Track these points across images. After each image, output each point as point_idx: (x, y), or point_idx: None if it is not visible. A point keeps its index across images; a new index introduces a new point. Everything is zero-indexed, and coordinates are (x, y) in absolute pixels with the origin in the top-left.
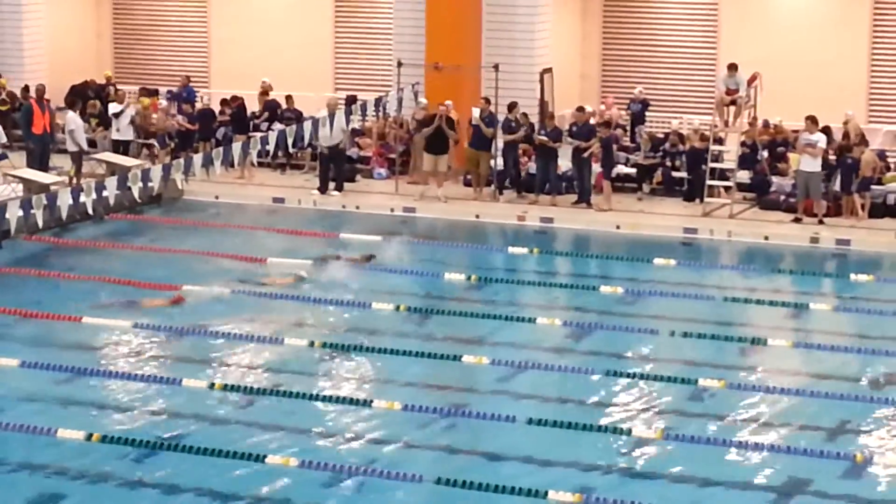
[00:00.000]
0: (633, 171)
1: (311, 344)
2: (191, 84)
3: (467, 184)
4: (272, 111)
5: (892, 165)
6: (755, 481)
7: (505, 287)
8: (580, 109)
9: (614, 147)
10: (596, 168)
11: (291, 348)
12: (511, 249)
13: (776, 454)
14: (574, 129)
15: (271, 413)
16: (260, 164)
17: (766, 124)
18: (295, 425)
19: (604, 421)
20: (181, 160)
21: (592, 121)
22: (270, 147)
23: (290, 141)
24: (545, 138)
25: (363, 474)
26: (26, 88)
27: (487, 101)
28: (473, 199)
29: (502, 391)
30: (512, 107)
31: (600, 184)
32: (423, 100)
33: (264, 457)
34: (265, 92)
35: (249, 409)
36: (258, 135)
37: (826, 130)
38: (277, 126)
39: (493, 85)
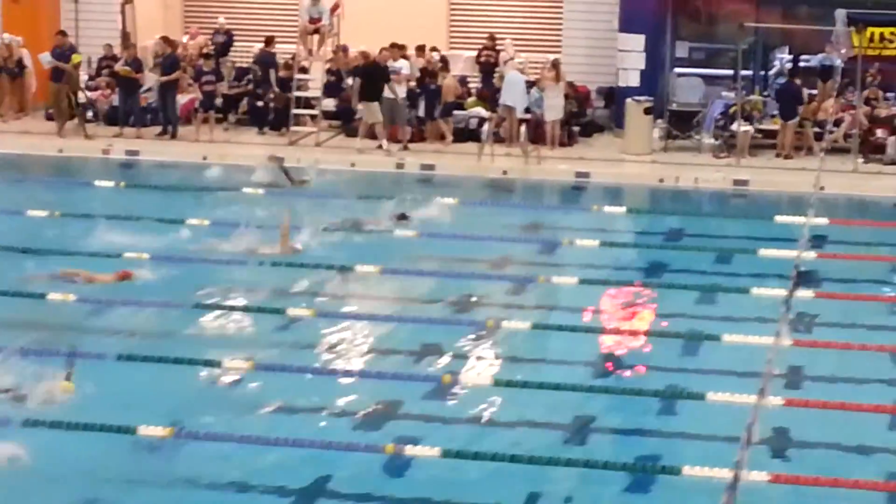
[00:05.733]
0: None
1: None
2: None
3: (49, 118)
4: None
5: (472, 91)
6: (344, 406)
7: (89, 222)
8: (165, 40)
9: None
10: (181, 99)
11: None
12: (97, 183)
13: (365, 379)
14: (159, 60)
15: None
16: None
17: (345, 50)
18: None
19: (193, 353)
20: None
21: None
22: None
23: None
24: (128, 69)
25: None
26: None
27: (64, 33)
28: (56, 134)
29: (90, 328)
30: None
31: (186, 114)
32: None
33: None
34: None
35: None
36: None
37: (406, 57)
38: None
39: (72, 17)
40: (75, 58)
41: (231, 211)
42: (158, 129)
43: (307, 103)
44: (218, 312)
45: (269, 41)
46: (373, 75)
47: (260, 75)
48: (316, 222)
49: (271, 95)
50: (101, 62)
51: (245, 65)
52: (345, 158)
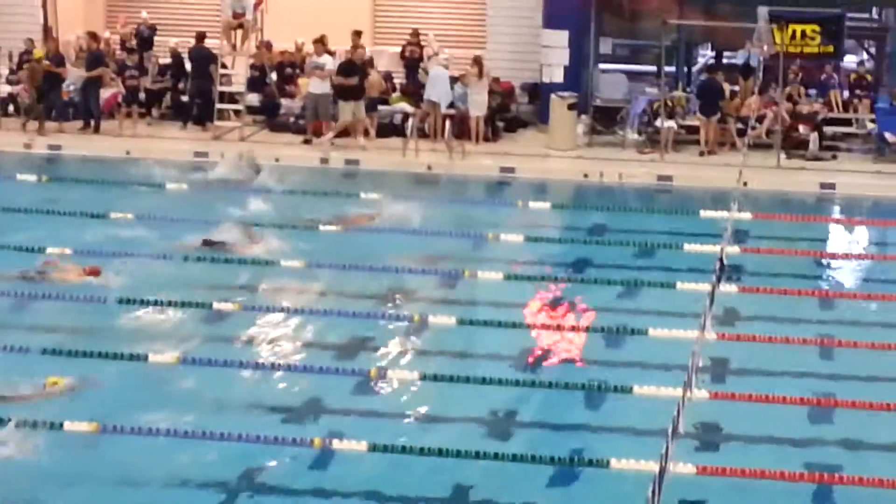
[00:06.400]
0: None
1: None
2: None
3: None
4: None
5: (397, 86)
6: (272, 400)
7: (12, 217)
8: (91, 35)
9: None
10: (104, 93)
11: None
12: (20, 177)
13: (293, 373)
14: (83, 55)
15: None
16: None
17: (269, 46)
18: None
19: (120, 348)
20: None
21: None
22: None
23: None
24: (49, 63)
25: None
26: None
27: None
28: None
29: (13, 324)
30: None
31: (109, 109)
32: None
33: None
34: None
35: None
36: None
37: (330, 53)
38: None
39: None
40: (37, 53)
41: (154, 206)
42: (80, 123)
43: (230, 98)
44: (143, 306)
45: (202, 37)
46: (350, 73)
47: (195, 71)
48: (244, 217)
49: (217, 90)
50: (21, 56)
51: (167, 59)
52: (269, 153)
